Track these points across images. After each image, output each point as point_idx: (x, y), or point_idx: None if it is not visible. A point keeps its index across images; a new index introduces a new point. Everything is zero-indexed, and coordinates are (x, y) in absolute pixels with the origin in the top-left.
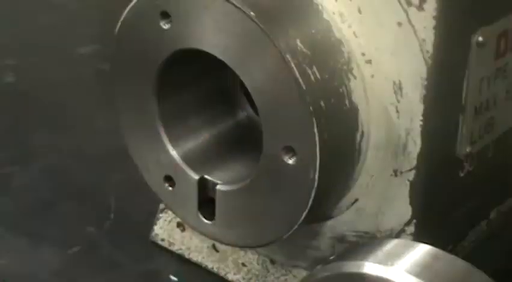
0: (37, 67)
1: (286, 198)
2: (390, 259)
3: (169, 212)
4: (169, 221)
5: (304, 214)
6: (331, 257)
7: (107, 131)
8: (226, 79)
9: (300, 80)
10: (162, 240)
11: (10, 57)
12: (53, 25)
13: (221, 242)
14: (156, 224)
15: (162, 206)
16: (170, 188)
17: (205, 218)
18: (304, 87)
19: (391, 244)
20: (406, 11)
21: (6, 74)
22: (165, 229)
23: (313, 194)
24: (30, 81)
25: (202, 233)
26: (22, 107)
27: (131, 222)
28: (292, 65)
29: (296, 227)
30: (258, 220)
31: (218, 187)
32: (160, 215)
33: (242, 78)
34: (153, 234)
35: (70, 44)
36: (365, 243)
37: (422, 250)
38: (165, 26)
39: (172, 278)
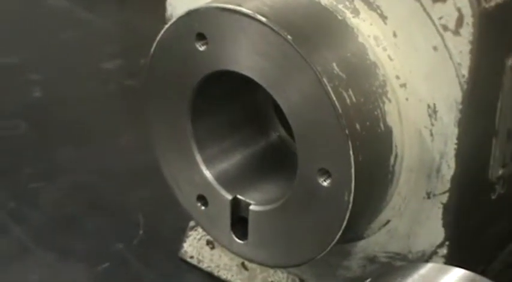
0: (63, 82)
1: (319, 220)
2: None
3: (199, 230)
4: (199, 239)
5: (337, 236)
6: (367, 281)
7: (134, 146)
8: (259, 100)
9: (337, 104)
10: (191, 257)
11: (36, 72)
12: (79, 40)
13: (253, 262)
14: (185, 242)
15: (192, 223)
16: (203, 208)
17: (238, 238)
18: (340, 111)
19: (426, 268)
20: (442, 35)
21: (33, 89)
22: (194, 246)
23: (347, 216)
24: (56, 96)
25: (234, 253)
26: (49, 121)
27: (160, 239)
28: (329, 89)
29: (329, 248)
30: (290, 241)
31: (251, 207)
32: (190, 232)
33: (278, 100)
34: (182, 251)
35: (95, 59)
36: (400, 267)
37: (458, 274)
38: (201, 47)
39: None
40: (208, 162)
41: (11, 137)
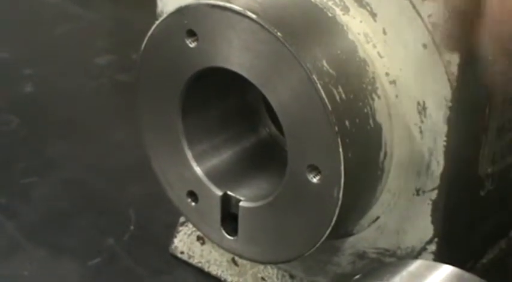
0: (55, 77)
1: (309, 216)
2: (416, 281)
3: (189, 225)
4: (189, 234)
5: (327, 232)
6: (356, 277)
7: (126, 141)
8: (249, 96)
9: (326, 101)
10: (182, 253)
11: (28, 67)
12: (71, 35)
13: (243, 258)
14: (175, 237)
15: (182, 219)
16: (193, 204)
17: (228, 234)
18: (330, 108)
19: (415, 265)
20: (431, 33)
21: (25, 84)
22: (184, 242)
23: (336, 212)
24: (48, 91)
25: (224, 249)
26: (41, 117)
27: (151, 234)
28: (319, 86)
29: (319, 244)
30: (280, 237)
31: (241, 203)
32: (180, 228)
33: (268, 97)
34: (172, 246)
35: (87, 54)
36: (389, 264)
37: (446, 271)
38: (192, 44)
39: None
40: (198, 159)
41: (2, 132)
